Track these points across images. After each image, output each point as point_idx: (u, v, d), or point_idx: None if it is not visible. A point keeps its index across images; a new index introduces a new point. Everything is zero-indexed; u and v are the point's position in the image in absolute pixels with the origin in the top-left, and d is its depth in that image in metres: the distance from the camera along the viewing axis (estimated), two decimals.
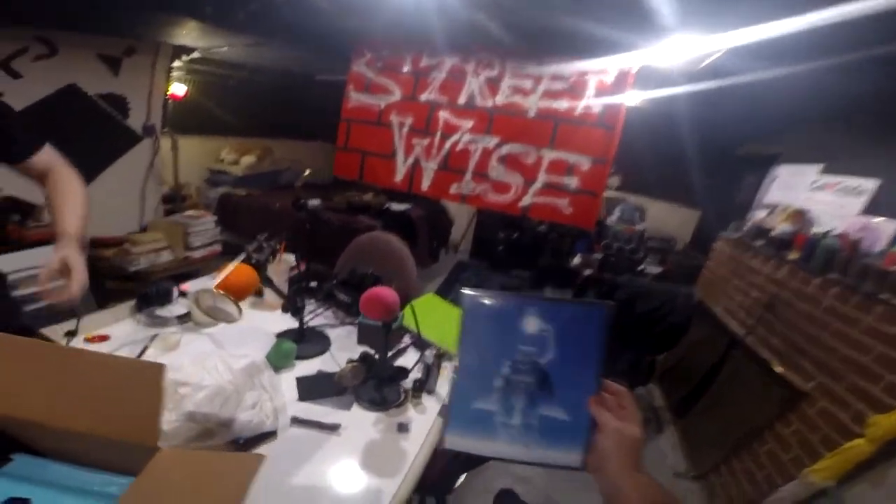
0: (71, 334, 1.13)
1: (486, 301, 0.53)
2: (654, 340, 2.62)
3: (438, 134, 2.79)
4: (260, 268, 1.28)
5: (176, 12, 2.23)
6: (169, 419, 0.72)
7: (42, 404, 0.56)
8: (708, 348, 2.53)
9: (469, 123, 2.71)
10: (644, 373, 2.76)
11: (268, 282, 1.32)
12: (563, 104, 2.52)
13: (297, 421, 0.96)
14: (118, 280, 2.45)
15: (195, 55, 3.14)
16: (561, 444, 0.52)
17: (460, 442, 0.53)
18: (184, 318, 1.29)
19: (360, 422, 1.02)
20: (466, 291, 0.53)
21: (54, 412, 0.56)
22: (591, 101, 2.47)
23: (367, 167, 3.04)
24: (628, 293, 2.70)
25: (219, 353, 1.02)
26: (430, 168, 2.85)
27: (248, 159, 4.34)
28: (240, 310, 1.18)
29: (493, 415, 0.52)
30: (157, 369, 0.56)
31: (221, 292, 1.15)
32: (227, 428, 0.78)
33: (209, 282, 1.41)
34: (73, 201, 1.01)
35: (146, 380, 0.55)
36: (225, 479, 0.52)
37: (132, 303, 1.33)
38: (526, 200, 2.67)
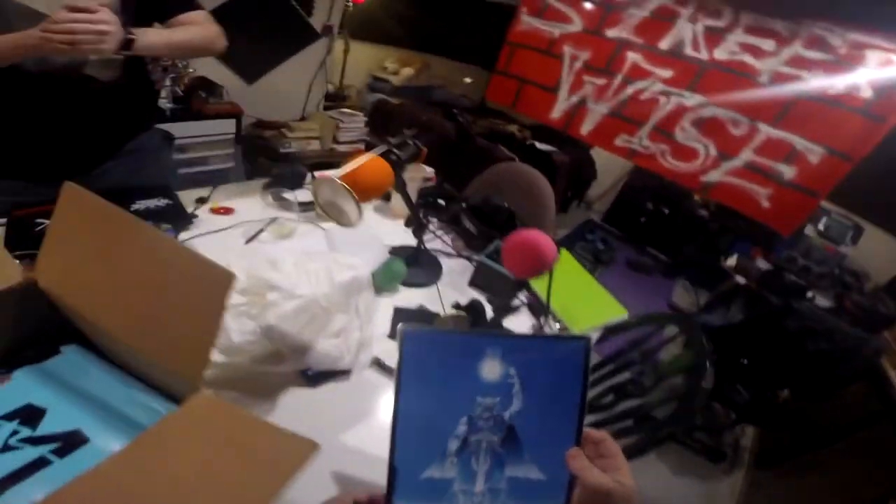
0: (201, 201, 1.12)
1: (433, 340, 0.42)
2: (804, 383, 2.13)
3: (620, 76, 2.32)
4: (398, 168, 1.12)
5: None
6: (244, 328, 0.61)
7: (96, 291, 0.46)
8: (851, 406, 2.02)
9: (667, 73, 2.19)
10: (761, 411, 2.27)
11: (402, 185, 1.15)
12: (814, 77, 1.85)
13: (378, 364, 0.81)
14: (270, 160, 2.63)
15: None
16: None
17: None
18: (306, 207, 1.22)
19: None
20: (405, 327, 0.41)
21: (104, 304, 0.45)
22: (861, 82, 1.76)
23: (523, 96, 2.72)
24: (801, 325, 2.13)
25: (327, 256, 0.91)
26: (597, 111, 2.42)
27: (407, 71, 4.47)
28: (360, 212, 1.03)
29: (451, 482, 0.42)
30: (224, 279, 0.41)
31: (345, 186, 1.01)
32: (301, 355, 0.66)
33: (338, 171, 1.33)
34: (177, 31, 1.04)
35: (208, 288, 0.41)
36: (264, 458, 0.37)
37: (265, 180, 1.30)
38: (712, 176, 2.13)
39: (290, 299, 0.69)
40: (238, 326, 0.61)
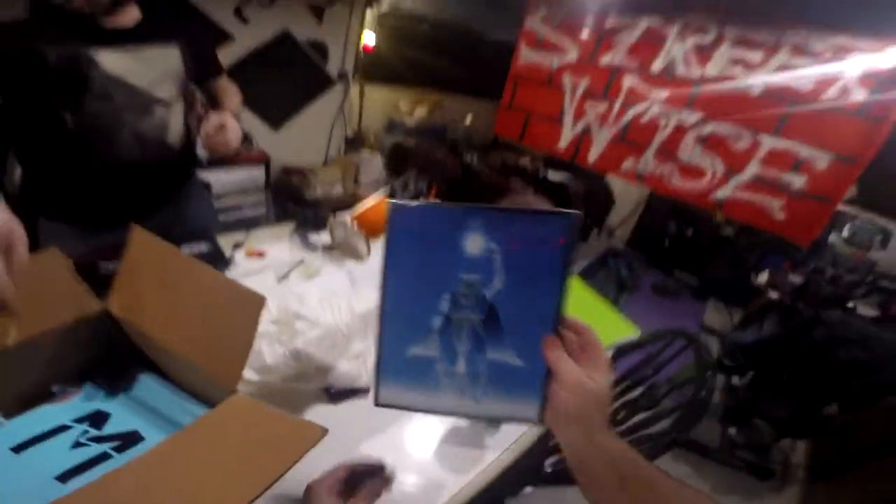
0: (238, 246, 1.25)
1: (419, 213, 0.41)
2: (844, 394, 2.05)
3: (619, 102, 2.39)
4: None
5: None
6: (275, 352, 0.72)
7: (156, 314, 0.58)
8: None
9: (662, 94, 2.25)
10: (806, 426, 2.19)
11: None
12: (805, 84, 1.89)
13: None
14: (297, 204, 2.82)
15: (385, 9, 3.37)
16: (514, 395, 0.42)
17: (398, 397, 0.43)
18: (330, 248, 1.34)
19: None
20: (392, 202, 0.41)
21: (162, 324, 0.57)
22: (851, 85, 1.80)
23: (530, 128, 2.83)
24: (830, 335, 2.08)
25: (349, 292, 1.01)
26: (602, 138, 2.49)
27: (420, 111, 4.56)
28: (369, 249, 1.15)
29: (434, 362, 0.42)
30: (257, 302, 0.52)
31: (355, 225, 1.13)
32: (324, 374, 0.75)
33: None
34: (235, 97, 1.29)
35: (245, 310, 0.52)
36: (279, 443, 0.45)
37: (293, 224, 1.43)
38: (723, 193, 2.15)
39: (314, 328, 0.79)
40: (270, 350, 0.71)
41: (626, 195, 4.08)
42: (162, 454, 0.45)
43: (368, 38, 3.50)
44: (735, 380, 2.57)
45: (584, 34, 2.50)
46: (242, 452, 0.45)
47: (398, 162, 3.94)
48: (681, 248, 3.79)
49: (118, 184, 1.11)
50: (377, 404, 0.44)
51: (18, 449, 0.55)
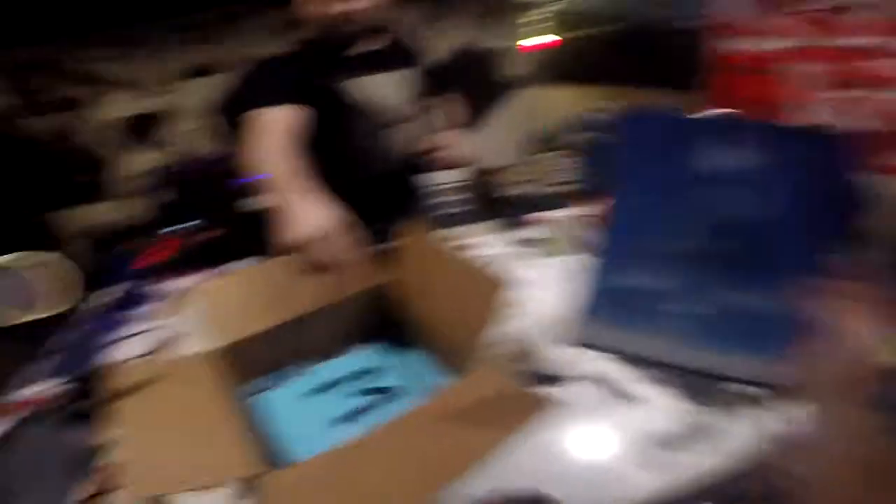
0: (446, 241, 1.43)
1: (666, 122, 0.32)
2: None
3: (862, 89, 1.89)
4: None
5: None
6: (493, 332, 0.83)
7: (419, 293, 0.74)
8: None
9: None
10: None
11: None
12: None
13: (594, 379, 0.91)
14: (494, 204, 3.03)
15: (561, 6, 3.36)
16: (753, 348, 0.32)
17: (604, 335, 0.35)
18: (532, 243, 1.38)
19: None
20: (631, 108, 0.33)
21: (423, 300, 0.72)
22: None
23: None
24: None
25: (561, 285, 1.08)
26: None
27: (612, 108, 4.31)
28: (580, 249, 1.17)
29: (659, 297, 0.33)
30: (499, 284, 0.60)
31: (569, 222, 1.16)
32: (533, 358, 0.82)
33: (568, 212, 1.48)
34: (461, 112, 1.47)
35: (487, 291, 0.61)
36: (506, 413, 0.53)
37: (492, 222, 1.54)
38: None
39: (527, 315, 0.88)
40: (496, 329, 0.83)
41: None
42: (418, 414, 0.56)
43: (546, 38, 3.52)
44: None
45: (806, 13, 2.07)
46: (480, 417, 0.53)
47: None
48: None
49: (368, 192, 1.30)
50: (580, 343, 0.39)
51: (311, 393, 0.72)
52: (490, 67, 3.36)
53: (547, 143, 3.84)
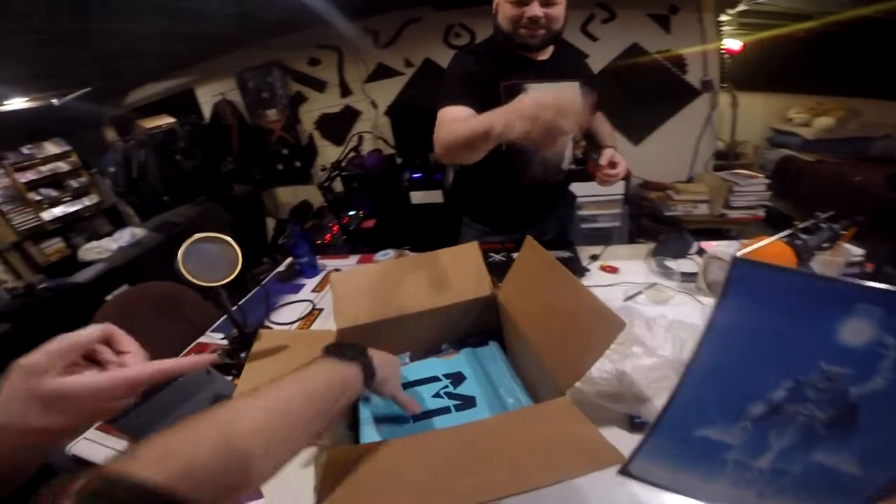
0: (594, 258, 1.31)
1: (779, 277, 0.32)
2: None
3: None
4: (803, 253, 0.96)
5: None
6: (603, 367, 0.71)
7: (526, 308, 0.70)
8: None
9: None
10: None
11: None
12: None
13: None
14: (654, 221, 2.70)
15: (742, 7, 2.78)
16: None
17: (652, 472, 0.37)
18: (687, 278, 1.21)
19: None
20: (739, 256, 0.33)
21: (527, 317, 0.68)
22: None
23: None
24: None
25: (696, 329, 0.91)
26: None
27: (824, 121, 3.37)
28: None
29: (727, 448, 0.33)
30: (617, 325, 0.52)
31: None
32: (638, 403, 0.69)
33: (732, 248, 1.25)
34: (610, 128, 1.39)
35: (602, 328, 0.54)
36: (580, 451, 0.44)
37: (652, 245, 1.36)
38: None
39: (650, 356, 0.75)
40: (599, 364, 0.72)
41: None
42: (490, 425, 0.54)
43: (731, 43, 2.97)
44: None
45: None
46: (545, 447, 0.47)
47: (789, 182, 3.10)
48: None
49: (521, 198, 1.35)
50: (620, 472, 0.38)
51: (405, 386, 0.74)
52: (666, 70, 3.01)
53: (730, 158, 3.28)
